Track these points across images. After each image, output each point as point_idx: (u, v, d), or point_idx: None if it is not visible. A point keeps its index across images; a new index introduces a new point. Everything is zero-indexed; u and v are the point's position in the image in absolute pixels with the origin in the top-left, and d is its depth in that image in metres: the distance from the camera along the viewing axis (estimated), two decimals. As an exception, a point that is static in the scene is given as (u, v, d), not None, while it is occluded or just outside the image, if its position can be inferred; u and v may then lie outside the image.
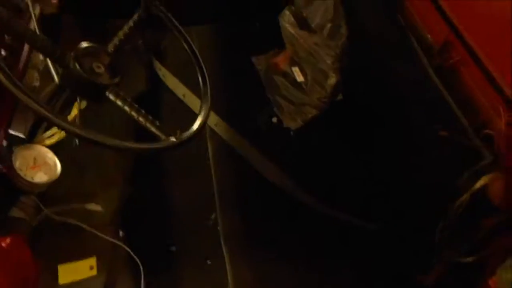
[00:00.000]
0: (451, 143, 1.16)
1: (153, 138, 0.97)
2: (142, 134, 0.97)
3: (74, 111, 1.04)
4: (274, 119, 1.86)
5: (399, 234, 1.49)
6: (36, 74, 1.28)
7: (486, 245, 1.11)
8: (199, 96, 1.11)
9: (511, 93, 1.03)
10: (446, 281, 1.25)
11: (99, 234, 1.47)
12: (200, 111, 1.06)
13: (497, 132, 1.08)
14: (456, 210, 1.11)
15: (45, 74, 1.27)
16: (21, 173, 1.07)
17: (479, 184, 1.06)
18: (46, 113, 0.81)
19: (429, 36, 1.33)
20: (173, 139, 0.95)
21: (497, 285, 0.84)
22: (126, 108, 0.96)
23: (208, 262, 1.48)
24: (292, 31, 1.78)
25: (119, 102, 0.96)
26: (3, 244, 0.72)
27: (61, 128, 0.83)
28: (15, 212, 1.20)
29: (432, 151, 1.29)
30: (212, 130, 1.77)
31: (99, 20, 1.93)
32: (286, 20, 1.79)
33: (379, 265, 1.46)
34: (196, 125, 1.02)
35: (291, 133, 1.83)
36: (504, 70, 1.04)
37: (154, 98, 1.88)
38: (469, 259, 1.12)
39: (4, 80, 0.79)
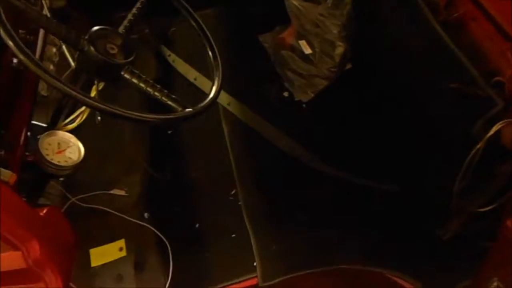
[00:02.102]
0: (463, 94, 1.17)
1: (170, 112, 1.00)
2: (157, 112, 1.00)
3: (93, 93, 1.08)
4: (286, 93, 1.87)
5: (418, 192, 1.50)
6: (51, 67, 1.32)
7: (503, 193, 1.12)
8: (210, 78, 1.13)
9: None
10: (464, 232, 1.27)
11: (125, 217, 1.52)
12: (213, 82, 1.09)
13: (507, 78, 1.09)
14: (472, 159, 1.13)
15: (60, 66, 1.32)
16: (48, 158, 1.11)
17: (492, 131, 1.07)
18: (72, 91, 0.85)
19: (433, -8, 1.33)
20: (189, 109, 0.98)
21: (516, 225, 0.86)
22: (142, 84, 1.00)
23: (233, 235, 1.52)
24: (297, 4, 1.78)
25: (134, 80, 1.00)
26: (41, 213, 0.77)
27: (86, 104, 0.88)
28: (42, 202, 1.25)
29: (444, 104, 1.30)
30: (225, 109, 1.80)
31: (106, 13, 1.96)
32: (290, -7, 1.80)
33: (400, 223, 1.48)
34: (211, 94, 1.05)
35: (303, 105, 1.85)
36: (511, 16, 1.05)
37: (165, 84, 1.90)
38: (487, 208, 1.14)
39: (30, 64, 0.83)
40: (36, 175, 1.15)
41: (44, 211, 0.78)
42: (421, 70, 1.42)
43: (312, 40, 1.83)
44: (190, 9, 1.20)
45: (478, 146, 1.10)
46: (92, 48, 0.97)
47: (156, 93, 0.99)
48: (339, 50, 1.78)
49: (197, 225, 1.56)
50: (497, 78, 1.11)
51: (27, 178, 1.10)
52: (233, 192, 1.61)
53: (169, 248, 1.46)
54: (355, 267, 1.40)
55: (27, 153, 1.11)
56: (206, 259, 1.48)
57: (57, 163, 1.11)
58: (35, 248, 0.70)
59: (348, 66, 1.84)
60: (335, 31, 1.75)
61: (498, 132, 1.07)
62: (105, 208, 1.53)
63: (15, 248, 0.71)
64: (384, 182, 1.62)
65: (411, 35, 1.45)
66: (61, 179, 1.42)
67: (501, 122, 1.06)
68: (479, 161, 1.13)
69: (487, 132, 1.08)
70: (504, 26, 1.10)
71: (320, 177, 1.66)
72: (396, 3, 1.52)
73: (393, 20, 1.55)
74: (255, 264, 1.41)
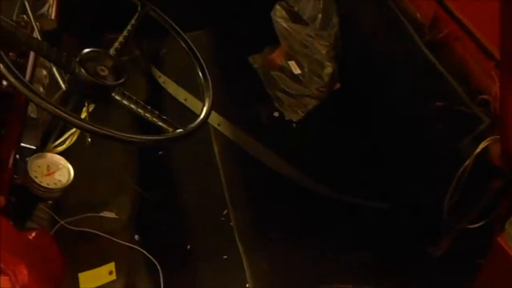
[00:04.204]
0: (449, 112, 1.20)
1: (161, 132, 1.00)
2: (148, 133, 1.00)
3: (83, 115, 1.08)
4: (276, 113, 1.89)
5: (409, 209, 1.51)
6: (41, 89, 1.32)
7: (493, 209, 1.13)
8: (200, 99, 1.14)
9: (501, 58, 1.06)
10: (456, 249, 1.28)
11: (115, 240, 1.50)
12: (204, 102, 1.09)
13: (492, 96, 1.11)
14: (460, 176, 1.14)
15: (50, 88, 1.32)
16: (37, 180, 1.10)
17: (479, 148, 1.09)
18: (62, 113, 0.85)
19: (418, 14, 1.37)
20: (180, 130, 0.98)
21: (506, 240, 0.87)
22: (133, 106, 1.00)
23: (224, 256, 1.51)
24: (285, 26, 1.82)
25: (125, 101, 1.00)
26: (30, 237, 0.76)
27: (76, 126, 0.87)
28: (30, 225, 1.23)
29: (432, 122, 1.32)
30: (216, 130, 1.81)
31: (97, 35, 1.98)
32: (279, 15, 1.84)
33: (391, 241, 1.48)
34: (202, 115, 1.06)
35: (294, 125, 1.87)
36: (493, 36, 1.08)
37: (156, 105, 1.90)
38: (477, 225, 1.15)
39: (20, 86, 0.83)
40: (24, 198, 1.13)
41: (33, 235, 0.77)
42: (408, 89, 1.45)
43: (301, 60, 1.86)
44: (180, 31, 1.21)
45: (466, 163, 1.11)
46: (83, 70, 0.97)
47: (147, 114, 0.99)
48: (328, 70, 1.81)
49: (188, 247, 1.54)
50: (482, 96, 1.13)
51: (15, 201, 1.08)
52: (224, 212, 1.61)
53: (160, 271, 1.44)
54: (347, 287, 1.39)
55: (15, 176, 1.10)
56: (198, 281, 1.47)
57: (46, 185, 1.09)
58: (23, 272, 0.68)
59: (337, 86, 1.87)
60: (323, 52, 1.78)
61: (485, 149, 1.09)
62: (94, 231, 1.51)
63: (3, 272, 0.69)
64: (375, 200, 1.63)
65: (398, 55, 1.48)
66: (50, 202, 1.40)
67: (487, 140, 1.08)
68: (468, 178, 1.14)
69: (475, 149, 1.09)
70: (488, 46, 1.13)
71: (312, 196, 1.66)
72: (382, 24, 1.56)
73: (380, 40, 1.59)
74: (247, 285, 1.40)
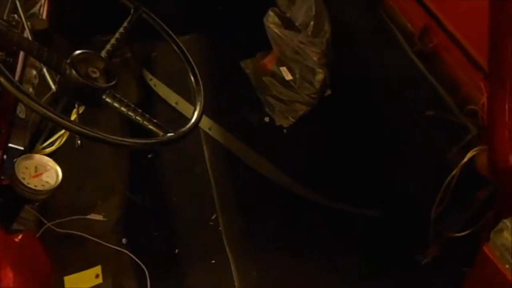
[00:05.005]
0: (438, 121, 1.21)
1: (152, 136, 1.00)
2: (138, 136, 1.00)
3: (73, 116, 1.07)
4: (267, 119, 1.90)
5: (398, 217, 1.52)
6: (30, 89, 1.31)
7: (480, 218, 1.15)
8: (191, 102, 1.14)
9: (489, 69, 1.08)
10: (443, 257, 1.29)
11: (102, 242, 1.49)
12: (195, 106, 1.09)
13: (479, 106, 1.13)
14: (447, 185, 1.16)
15: (40, 89, 1.31)
16: (24, 182, 1.09)
17: (467, 157, 1.11)
18: (52, 114, 0.84)
19: (408, 24, 1.39)
20: (171, 134, 0.98)
21: (492, 250, 0.88)
22: (123, 109, 0.99)
23: (213, 261, 1.50)
24: (277, 32, 1.83)
25: (116, 104, 0.99)
26: (16, 240, 0.75)
27: (66, 127, 0.86)
28: (16, 227, 1.22)
29: (420, 130, 1.34)
30: (206, 134, 1.81)
31: (89, 37, 1.97)
32: (271, 21, 1.85)
33: (380, 248, 1.49)
34: (193, 119, 1.05)
35: (284, 130, 1.87)
36: (482, 47, 1.10)
37: (147, 108, 1.89)
38: (464, 233, 1.16)
39: (9, 86, 0.82)
40: (11, 200, 1.11)
41: (19, 237, 0.76)
42: (397, 97, 1.47)
43: (293, 66, 1.87)
44: (172, 34, 1.21)
45: (454, 172, 1.13)
46: (73, 72, 0.96)
47: (138, 117, 0.99)
48: (319, 76, 1.82)
49: (176, 251, 1.54)
50: (470, 106, 1.15)
51: (2, 203, 1.07)
52: (213, 217, 1.60)
53: (147, 275, 1.44)
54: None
55: (2, 177, 1.09)
56: (186, 286, 1.46)
57: (33, 187, 1.08)
58: (9, 275, 0.67)
59: (328, 92, 1.88)
60: (315, 58, 1.79)
61: (472, 158, 1.11)
62: (81, 234, 1.49)
63: (-13, 275, 0.68)
64: (364, 207, 1.64)
65: (388, 64, 1.50)
66: (37, 203, 1.38)
67: (474, 149, 1.10)
68: (455, 187, 1.16)
69: (462, 159, 1.11)
70: (476, 57, 1.15)
71: (302, 202, 1.66)
72: (373, 33, 1.57)
73: (370, 48, 1.61)
74: (235, 290, 1.39)
